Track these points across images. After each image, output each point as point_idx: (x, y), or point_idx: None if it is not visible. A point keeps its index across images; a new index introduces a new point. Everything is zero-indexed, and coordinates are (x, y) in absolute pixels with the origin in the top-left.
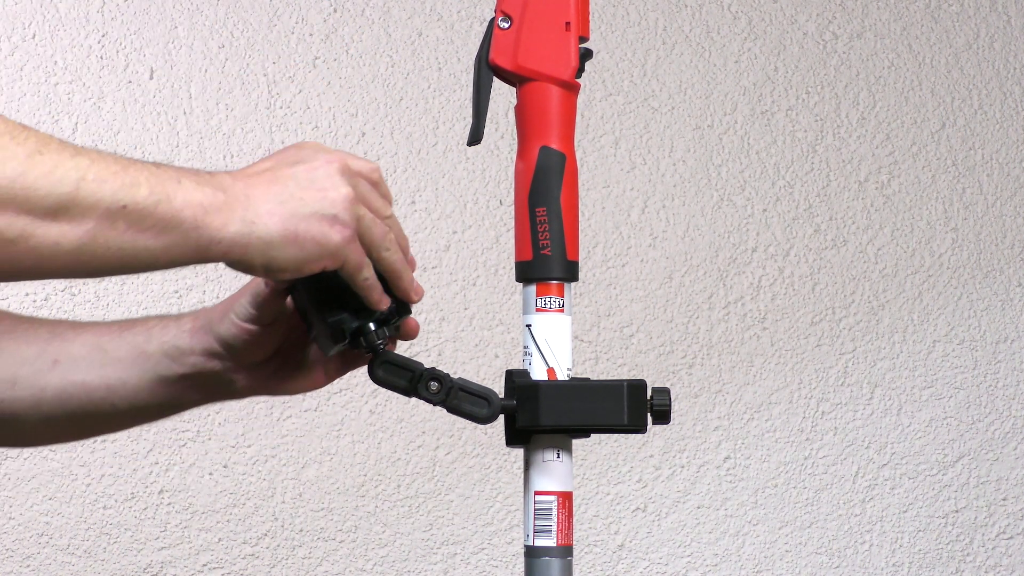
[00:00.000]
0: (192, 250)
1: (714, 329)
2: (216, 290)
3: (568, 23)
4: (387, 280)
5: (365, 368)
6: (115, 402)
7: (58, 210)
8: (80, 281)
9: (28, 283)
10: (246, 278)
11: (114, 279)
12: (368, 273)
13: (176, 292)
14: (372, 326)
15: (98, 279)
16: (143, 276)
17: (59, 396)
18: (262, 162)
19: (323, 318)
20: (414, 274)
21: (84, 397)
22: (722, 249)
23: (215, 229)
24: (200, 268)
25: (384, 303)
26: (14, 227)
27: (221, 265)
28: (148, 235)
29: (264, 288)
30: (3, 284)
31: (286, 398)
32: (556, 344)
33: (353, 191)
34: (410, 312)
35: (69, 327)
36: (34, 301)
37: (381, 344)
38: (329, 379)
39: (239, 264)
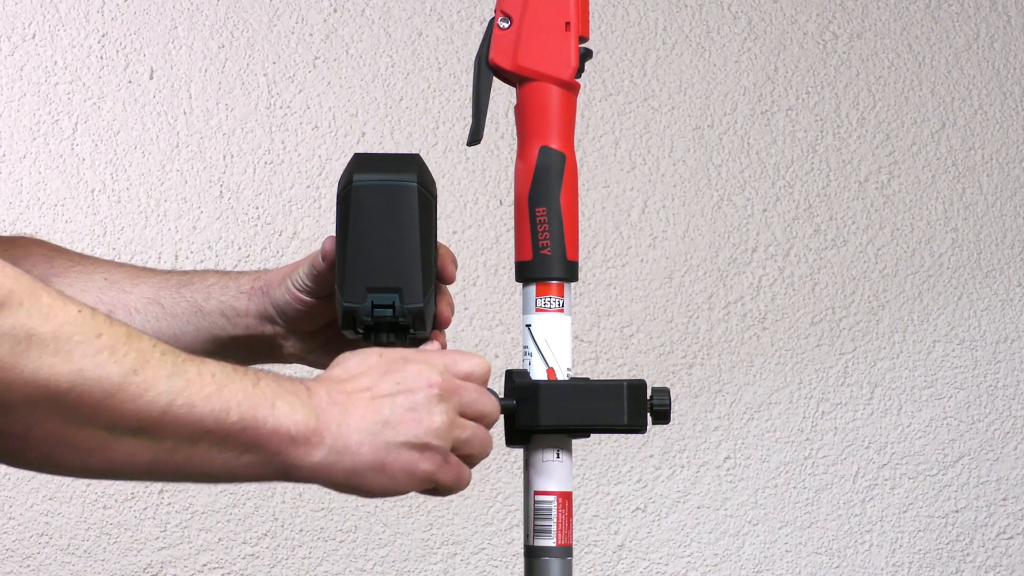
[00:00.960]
0: (273, 472)
1: (714, 329)
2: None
3: (568, 23)
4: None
5: None
6: None
7: (139, 431)
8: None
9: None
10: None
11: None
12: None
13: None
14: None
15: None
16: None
17: None
18: (364, 376)
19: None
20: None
21: None
22: (722, 249)
23: (297, 457)
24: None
25: None
26: (93, 439)
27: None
28: (228, 455)
29: (322, 262)
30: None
31: None
32: (556, 344)
33: (447, 418)
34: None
35: (126, 275)
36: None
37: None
38: None
39: (323, 484)
